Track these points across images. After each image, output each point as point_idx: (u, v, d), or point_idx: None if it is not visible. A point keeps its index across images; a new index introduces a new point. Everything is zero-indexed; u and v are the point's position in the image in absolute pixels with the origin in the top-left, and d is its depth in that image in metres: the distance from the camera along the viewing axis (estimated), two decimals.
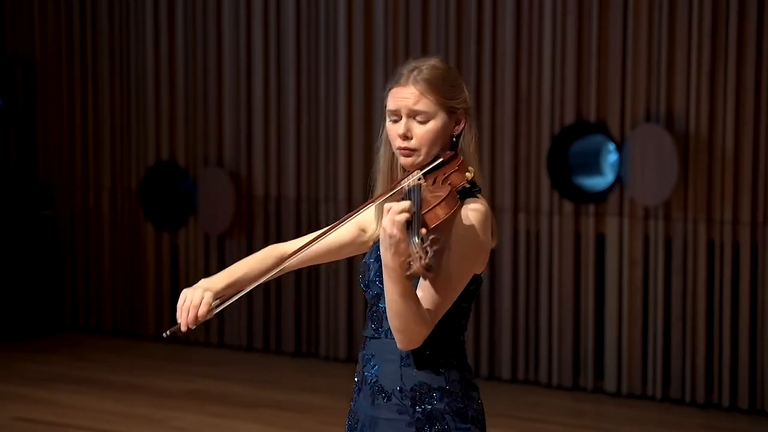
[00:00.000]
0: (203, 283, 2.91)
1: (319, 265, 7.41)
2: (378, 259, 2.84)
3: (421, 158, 2.83)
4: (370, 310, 2.90)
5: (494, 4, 6.87)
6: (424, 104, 2.82)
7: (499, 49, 6.86)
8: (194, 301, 2.84)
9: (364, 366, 2.89)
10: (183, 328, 2.85)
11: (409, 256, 2.58)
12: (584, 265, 6.74)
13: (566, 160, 6.76)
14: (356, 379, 2.93)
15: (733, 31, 6.30)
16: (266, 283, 7.60)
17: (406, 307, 2.67)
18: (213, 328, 7.85)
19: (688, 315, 6.48)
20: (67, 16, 8.27)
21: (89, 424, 6.17)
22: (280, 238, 7.54)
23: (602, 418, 6.45)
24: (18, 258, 8.13)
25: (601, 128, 6.66)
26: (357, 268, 7.36)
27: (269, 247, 3.07)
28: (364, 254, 3.03)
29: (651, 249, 6.56)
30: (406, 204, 2.63)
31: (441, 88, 2.83)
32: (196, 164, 7.86)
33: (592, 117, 6.65)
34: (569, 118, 6.72)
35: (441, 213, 2.69)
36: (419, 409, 2.79)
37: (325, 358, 7.51)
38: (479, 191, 2.84)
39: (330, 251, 3.07)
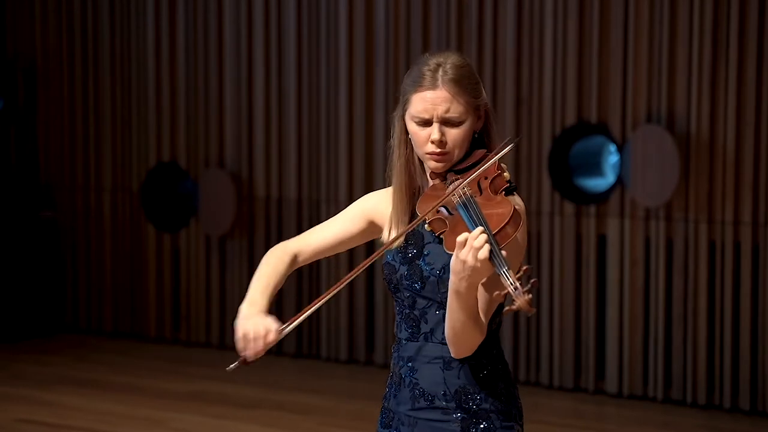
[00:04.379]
0: (247, 310, 2.78)
1: (320, 266, 7.41)
2: (404, 261, 2.79)
3: (451, 161, 2.75)
4: (401, 312, 2.83)
5: (495, 4, 6.87)
6: (456, 109, 2.71)
7: (500, 49, 6.86)
8: (258, 331, 2.70)
9: (401, 367, 2.82)
10: (251, 358, 2.70)
11: (503, 288, 2.48)
12: (585, 266, 6.73)
13: (567, 161, 6.76)
14: (393, 380, 2.85)
15: (734, 31, 6.29)
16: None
17: (471, 326, 2.63)
18: (214, 328, 7.85)
19: (689, 316, 6.48)
20: (68, 17, 8.27)
21: (90, 425, 6.17)
22: (282, 240, 7.51)
23: (603, 419, 6.45)
24: (19, 259, 8.14)
25: (602, 129, 6.65)
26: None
27: (275, 249, 2.99)
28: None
29: (652, 250, 6.56)
30: (482, 235, 2.52)
31: (468, 89, 2.72)
32: (197, 165, 7.86)
33: (593, 118, 6.65)
34: (570, 119, 6.71)
35: (511, 231, 2.60)
36: (464, 410, 2.74)
37: (326, 359, 7.51)
38: (516, 189, 2.76)
39: (339, 244, 3.01)
